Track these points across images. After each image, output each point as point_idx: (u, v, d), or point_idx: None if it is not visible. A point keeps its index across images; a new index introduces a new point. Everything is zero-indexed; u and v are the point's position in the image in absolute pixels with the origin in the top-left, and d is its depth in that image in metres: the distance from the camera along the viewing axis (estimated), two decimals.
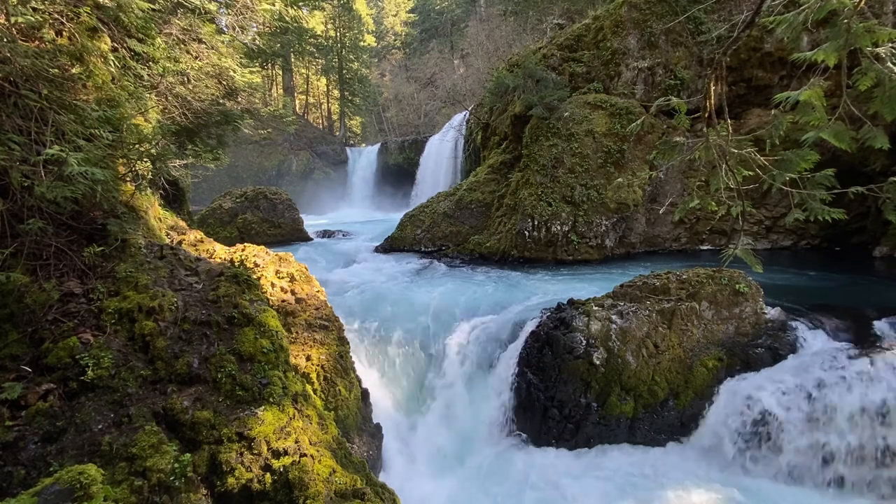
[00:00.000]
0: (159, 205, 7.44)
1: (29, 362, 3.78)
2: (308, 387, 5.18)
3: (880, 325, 6.81)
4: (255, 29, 11.17)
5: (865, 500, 5.63)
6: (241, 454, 3.87)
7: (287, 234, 17.93)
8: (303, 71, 48.00)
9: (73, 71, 4.77)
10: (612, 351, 6.98)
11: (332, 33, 45.55)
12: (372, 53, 53.53)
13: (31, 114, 4.10)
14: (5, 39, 4.12)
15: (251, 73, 10.28)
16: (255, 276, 5.53)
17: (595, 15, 14.80)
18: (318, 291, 7.14)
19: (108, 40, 5.74)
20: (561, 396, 7.04)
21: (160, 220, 6.99)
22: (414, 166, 28.77)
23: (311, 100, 51.18)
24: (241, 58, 9.93)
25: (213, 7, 8.71)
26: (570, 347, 7.10)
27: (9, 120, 4.01)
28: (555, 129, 12.79)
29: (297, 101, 45.65)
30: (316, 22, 43.58)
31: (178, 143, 8.61)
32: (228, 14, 9.85)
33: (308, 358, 6.10)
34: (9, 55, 4.01)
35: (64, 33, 4.96)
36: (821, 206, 3.44)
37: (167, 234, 6.97)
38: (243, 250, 7.22)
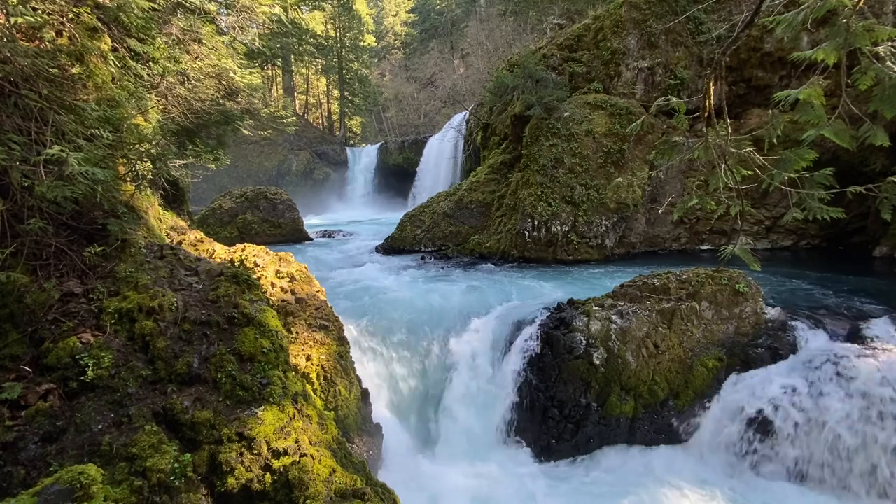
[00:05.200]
0: (159, 205, 7.44)
1: (29, 362, 3.78)
2: (308, 387, 5.18)
3: (880, 325, 6.81)
4: (255, 29, 11.18)
5: (866, 499, 5.63)
6: (241, 454, 3.87)
7: (287, 234, 17.95)
8: (303, 71, 47.99)
9: (73, 71, 4.77)
10: (612, 351, 6.98)
11: (332, 33, 45.57)
12: (372, 53, 53.54)
13: (31, 114, 4.10)
14: (5, 39, 4.13)
15: (251, 73, 10.29)
16: (255, 276, 5.53)
17: (595, 15, 14.81)
18: (318, 291, 7.14)
19: (108, 40, 5.74)
20: (561, 396, 7.04)
21: (160, 220, 6.99)
22: (414, 166, 28.80)
23: (311, 100, 51.17)
24: (241, 58, 9.94)
25: (213, 7, 8.72)
26: (570, 347, 7.10)
27: (9, 120, 4.01)
28: (555, 129, 12.79)
29: (297, 102, 45.65)
30: (316, 22, 43.62)
31: (178, 143, 8.63)
32: (229, 14, 9.86)
33: (308, 358, 6.10)
34: (9, 55, 4.01)
35: (64, 33, 4.96)
36: (819, 205, 3.44)
37: (167, 234, 6.97)
38: (243, 250, 7.22)
